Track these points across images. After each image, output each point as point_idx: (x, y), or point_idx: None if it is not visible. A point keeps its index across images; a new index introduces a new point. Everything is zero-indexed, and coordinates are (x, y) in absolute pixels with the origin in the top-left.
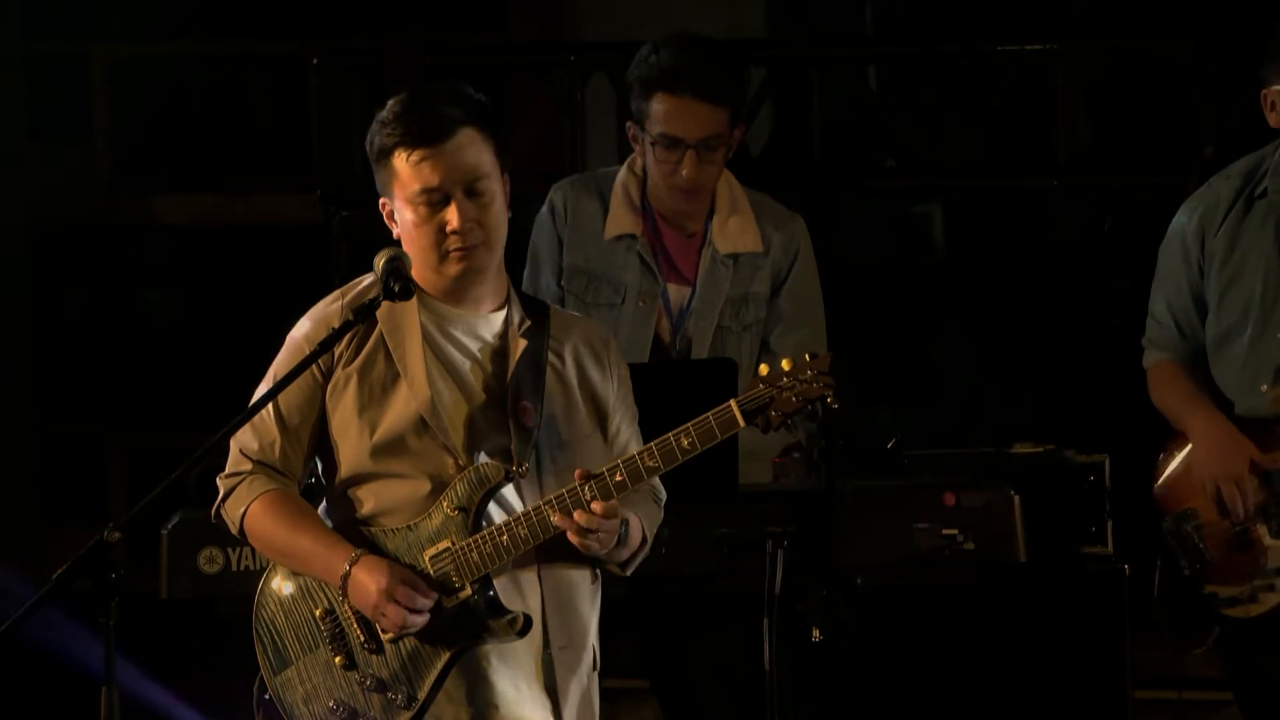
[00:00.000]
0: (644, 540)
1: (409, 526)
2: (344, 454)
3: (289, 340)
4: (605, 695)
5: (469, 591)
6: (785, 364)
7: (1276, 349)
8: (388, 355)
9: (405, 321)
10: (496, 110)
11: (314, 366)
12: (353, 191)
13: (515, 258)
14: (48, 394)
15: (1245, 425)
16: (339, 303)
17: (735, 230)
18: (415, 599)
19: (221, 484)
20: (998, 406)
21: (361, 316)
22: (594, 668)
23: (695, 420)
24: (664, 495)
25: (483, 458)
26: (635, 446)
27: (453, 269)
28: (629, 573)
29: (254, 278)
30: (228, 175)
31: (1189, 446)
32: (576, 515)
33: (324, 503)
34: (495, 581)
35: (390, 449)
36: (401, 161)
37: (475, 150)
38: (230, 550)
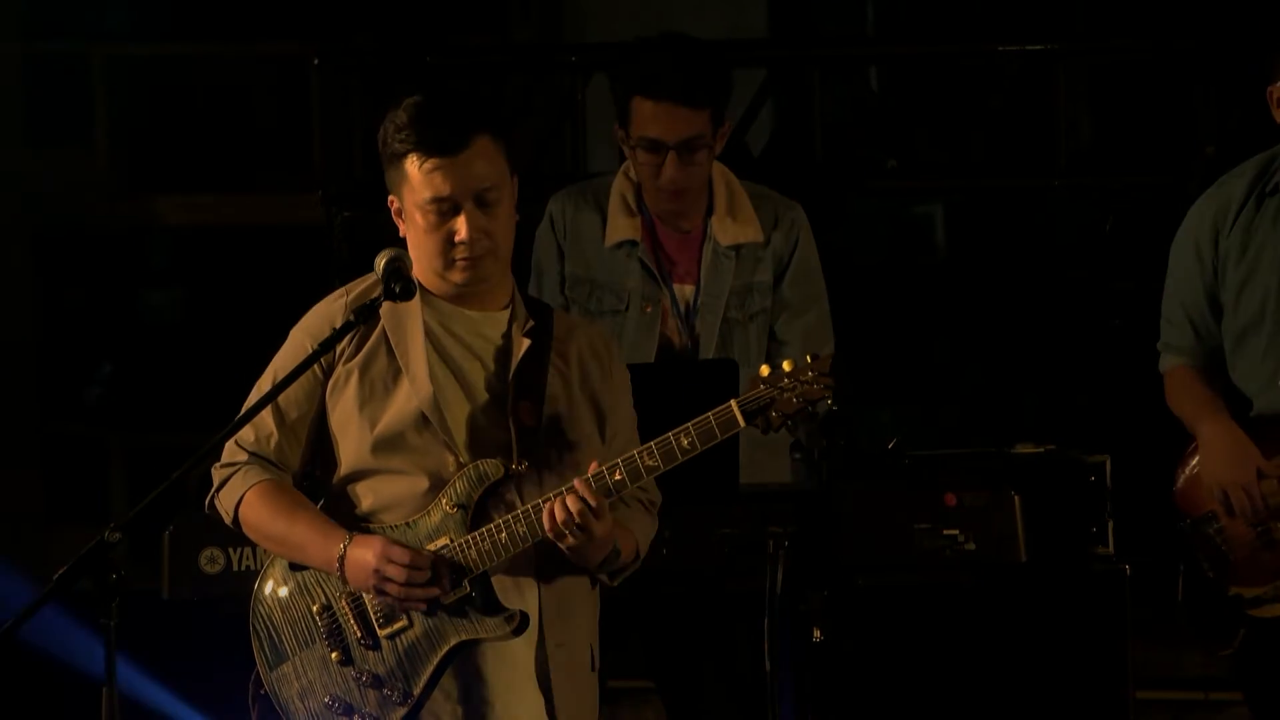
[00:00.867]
0: (637, 556)
1: (408, 523)
2: (344, 450)
3: (291, 336)
4: (606, 695)
5: (466, 588)
6: (786, 365)
7: None
8: (390, 351)
9: (408, 318)
10: (508, 115)
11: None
12: (354, 192)
13: (518, 258)
14: (49, 394)
15: (1265, 422)
16: (342, 300)
17: (735, 223)
18: (413, 556)
19: (216, 474)
20: (999, 406)
21: (362, 317)
22: (592, 668)
23: (695, 420)
24: (659, 499)
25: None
26: (633, 450)
27: (458, 276)
28: (616, 583)
29: (255, 278)
30: (228, 175)
31: None
32: (566, 498)
33: (323, 500)
34: (493, 579)
35: (390, 445)
36: (414, 167)
37: (487, 159)
38: (231, 550)
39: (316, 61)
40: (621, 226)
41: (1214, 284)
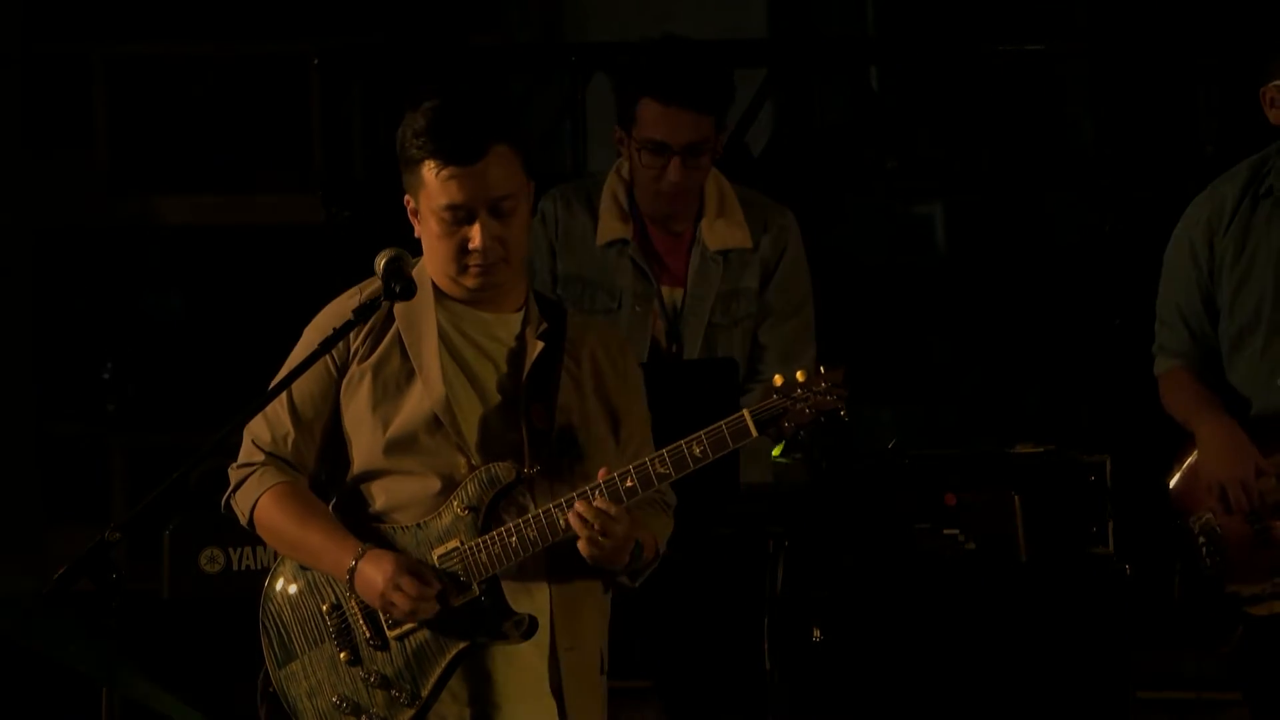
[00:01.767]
0: (657, 554)
1: (419, 525)
2: (357, 449)
3: (304, 334)
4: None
5: (476, 592)
6: (800, 375)
7: None
8: (403, 352)
9: (422, 319)
10: (523, 125)
11: (329, 361)
12: (354, 192)
13: None
14: (48, 394)
15: (1263, 423)
16: (355, 299)
17: (724, 227)
18: (420, 587)
19: (233, 474)
20: (999, 406)
21: (362, 316)
22: (601, 671)
23: (708, 429)
24: (674, 501)
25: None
26: (647, 452)
27: (470, 283)
28: (637, 584)
29: (255, 278)
30: (228, 175)
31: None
32: (579, 505)
33: (335, 498)
34: (504, 582)
35: (403, 446)
36: (430, 173)
37: (504, 169)
38: (231, 550)
39: (316, 61)
40: (613, 226)
41: (1210, 286)
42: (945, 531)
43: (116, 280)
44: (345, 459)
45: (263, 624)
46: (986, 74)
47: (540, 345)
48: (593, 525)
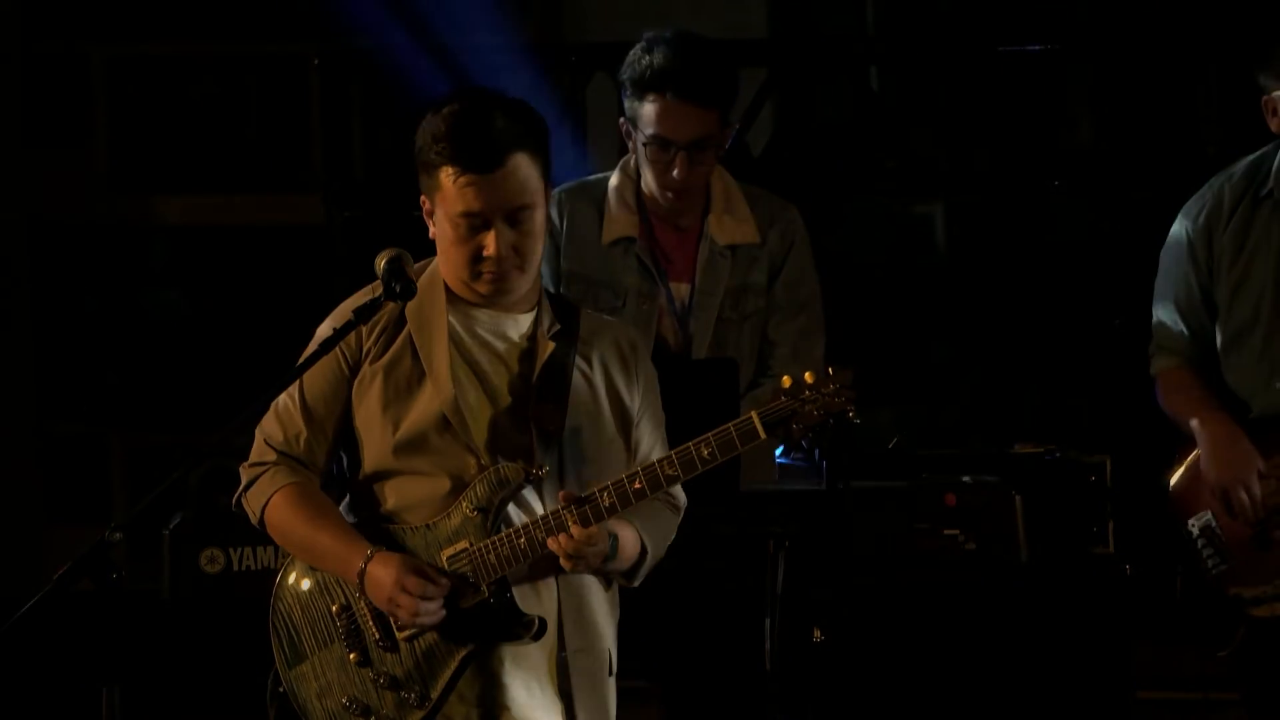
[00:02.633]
0: (644, 551)
1: (428, 525)
2: (367, 449)
3: (317, 332)
4: None
5: (485, 593)
6: (808, 376)
7: None
8: (415, 353)
9: (433, 320)
10: (545, 127)
11: (342, 360)
12: (354, 192)
13: None
14: (48, 394)
15: (1261, 424)
16: (368, 297)
17: (731, 223)
18: (427, 588)
19: (244, 473)
20: (999, 406)
21: (363, 317)
22: (610, 672)
23: (716, 430)
24: (684, 502)
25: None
26: (658, 453)
27: (484, 288)
28: (636, 583)
29: (255, 278)
30: (228, 175)
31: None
32: (561, 539)
33: (347, 497)
34: (513, 584)
35: (412, 446)
36: (448, 179)
37: (522, 177)
38: (231, 550)
39: (316, 61)
40: (620, 223)
41: (1209, 284)
42: (945, 531)
43: (117, 280)
44: (356, 458)
45: (272, 625)
46: (986, 74)
47: (552, 346)
48: (566, 553)
